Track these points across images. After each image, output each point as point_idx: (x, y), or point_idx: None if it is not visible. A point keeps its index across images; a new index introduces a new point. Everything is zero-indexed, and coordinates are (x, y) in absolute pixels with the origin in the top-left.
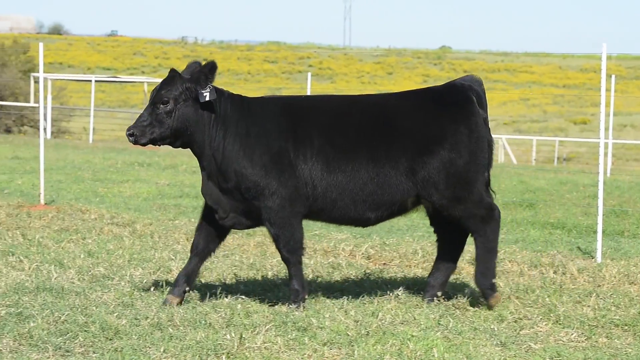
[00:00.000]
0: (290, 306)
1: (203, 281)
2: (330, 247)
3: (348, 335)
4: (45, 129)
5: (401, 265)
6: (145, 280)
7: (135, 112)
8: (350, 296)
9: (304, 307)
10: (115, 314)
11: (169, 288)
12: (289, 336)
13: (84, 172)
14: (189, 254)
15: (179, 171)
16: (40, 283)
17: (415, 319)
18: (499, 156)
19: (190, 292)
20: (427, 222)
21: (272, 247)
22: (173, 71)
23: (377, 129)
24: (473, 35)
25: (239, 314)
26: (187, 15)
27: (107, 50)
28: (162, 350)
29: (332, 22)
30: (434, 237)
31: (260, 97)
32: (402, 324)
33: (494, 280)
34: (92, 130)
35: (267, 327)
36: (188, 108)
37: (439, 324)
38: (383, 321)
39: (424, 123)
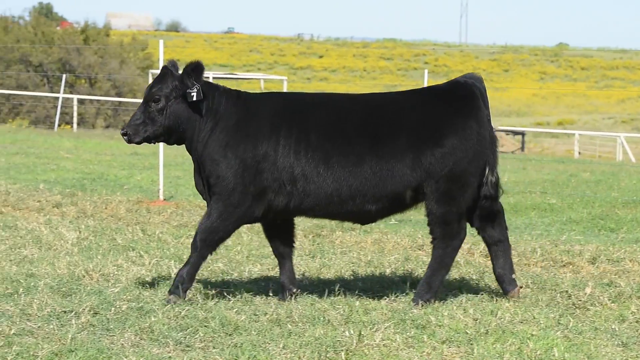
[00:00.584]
0: (169, 293)
1: (321, 277)
2: None
3: (467, 333)
4: None
5: (519, 263)
6: (264, 277)
7: None
8: (468, 294)
9: (182, 298)
10: (235, 310)
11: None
12: (408, 334)
13: None
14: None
15: None
16: (161, 278)
17: (534, 318)
18: (617, 154)
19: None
20: (545, 220)
21: (390, 244)
22: (165, 68)
23: (379, 124)
24: (591, 32)
25: (357, 311)
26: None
27: (224, 47)
28: (281, 346)
29: (448, 19)
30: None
31: (260, 93)
32: (521, 322)
33: (431, 297)
34: None
35: (385, 324)
36: (179, 105)
37: (559, 323)
38: (502, 320)
39: (433, 116)
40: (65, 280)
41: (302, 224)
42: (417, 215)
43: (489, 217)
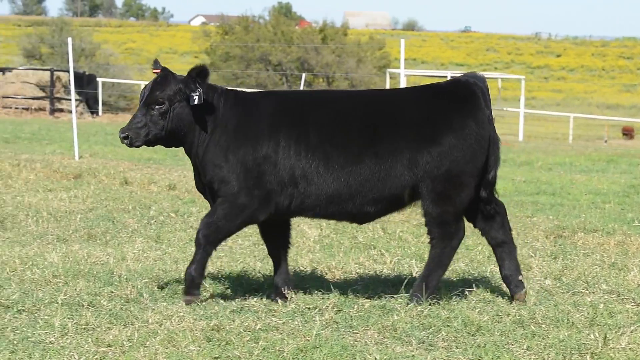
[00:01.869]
0: (185, 294)
1: (564, 279)
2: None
3: None
4: None
5: None
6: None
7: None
8: None
9: (196, 296)
10: (477, 310)
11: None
12: None
13: None
14: (541, 252)
15: (535, 168)
16: (402, 277)
17: None
18: None
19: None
20: None
21: (634, 247)
22: (166, 70)
23: (380, 123)
24: None
25: (601, 314)
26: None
27: (460, 46)
28: (524, 347)
29: None
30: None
31: (257, 92)
32: None
33: (427, 297)
34: None
35: (632, 328)
36: (183, 108)
37: None
38: None
39: (431, 114)
40: (308, 277)
41: (544, 225)
42: None
43: (491, 219)
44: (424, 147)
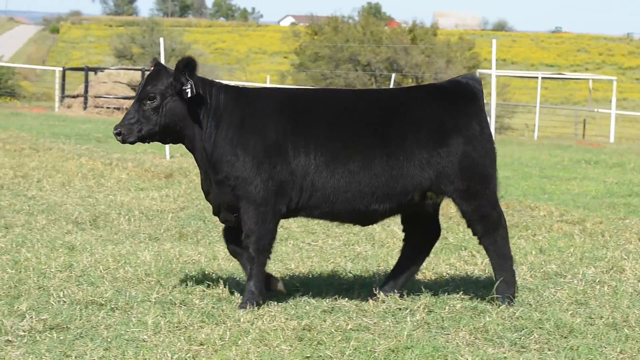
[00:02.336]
0: (240, 307)
1: None
2: None
3: None
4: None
5: None
6: (598, 279)
7: (578, 109)
8: None
9: (253, 309)
10: (570, 312)
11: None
12: None
13: (531, 168)
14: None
15: (627, 169)
16: (493, 278)
17: None
18: None
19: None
20: None
21: None
22: (158, 65)
23: (383, 121)
24: None
25: None
26: (633, 10)
27: (551, 47)
28: (618, 350)
29: None
30: (402, 237)
31: (260, 88)
32: None
33: (514, 291)
34: (537, 126)
35: None
36: (175, 103)
37: None
38: None
39: (438, 115)
40: None
41: (636, 227)
42: None
43: (422, 223)
44: (434, 147)
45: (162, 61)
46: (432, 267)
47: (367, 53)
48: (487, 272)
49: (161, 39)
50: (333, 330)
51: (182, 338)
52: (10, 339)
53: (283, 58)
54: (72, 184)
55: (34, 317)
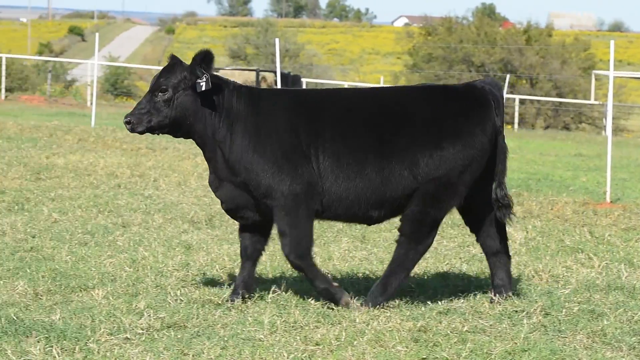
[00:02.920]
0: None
1: None
2: None
3: None
4: (605, 127)
5: None
6: None
7: None
8: None
9: (344, 294)
10: None
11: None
12: None
13: None
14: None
15: None
16: (611, 281)
17: None
18: None
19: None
20: None
21: None
22: (174, 58)
23: (392, 122)
24: None
25: None
26: None
27: None
28: None
29: None
30: (475, 238)
31: (271, 89)
32: None
33: (384, 300)
34: None
35: None
36: (187, 97)
37: None
38: None
39: (440, 117)
40: (514, 279)
41: None
42: None
43: (489, 227)
44: (426, 149)
45: (278, 62)
46: (549, 269)
47: (481, 54)
48: (604, 274)
49: (276, 40)
50: (449, 332)
51: (298, 338)
52: (128, 336)
53: (396, 59)
54: (187, 183)
55: (151, 315)
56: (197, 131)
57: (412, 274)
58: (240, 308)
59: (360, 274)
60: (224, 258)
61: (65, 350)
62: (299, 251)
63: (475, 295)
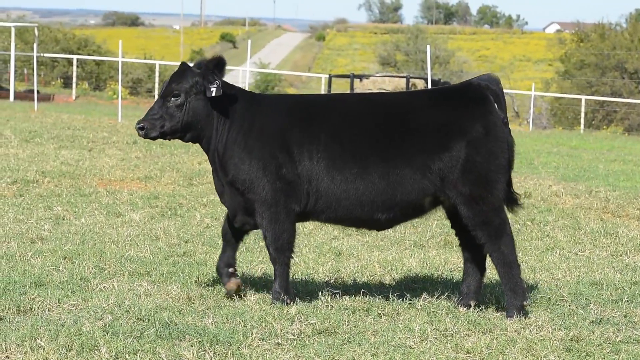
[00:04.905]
0: (273, 304)
1: None
2: None
3: None
4: None
5: None
6: None
7: None
8: None
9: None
10: None
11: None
12: None
13: None
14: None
15: None
16: None
17: None
18: None
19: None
20: None
21: None
22: (184, 64)
23: (390, 126)
24: None
25: None
26: None
27: None
28: None
29: None
30: (457, 242)
31: (272, 94)
32: None
33: (525, 302)
34: None
35: None
36: (199, 102)
37: None
38: None
39: (441, 119)
40: None
41: None
42: None
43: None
44: (435, 152)
45: (429, 69)
46: None
47: (635, 60)
48: None
49: (428, 47)
50: (602, 342)
51: (449, 345)
52: (280, 342)
53: (548, 65)
54: None
55: (302, 321)
56: (206, 135)
57: (564, 283)
58: (390, 315)
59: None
60: (374, 265)
61: (218, 354)
62: (278, 244)
63: (629, 304)
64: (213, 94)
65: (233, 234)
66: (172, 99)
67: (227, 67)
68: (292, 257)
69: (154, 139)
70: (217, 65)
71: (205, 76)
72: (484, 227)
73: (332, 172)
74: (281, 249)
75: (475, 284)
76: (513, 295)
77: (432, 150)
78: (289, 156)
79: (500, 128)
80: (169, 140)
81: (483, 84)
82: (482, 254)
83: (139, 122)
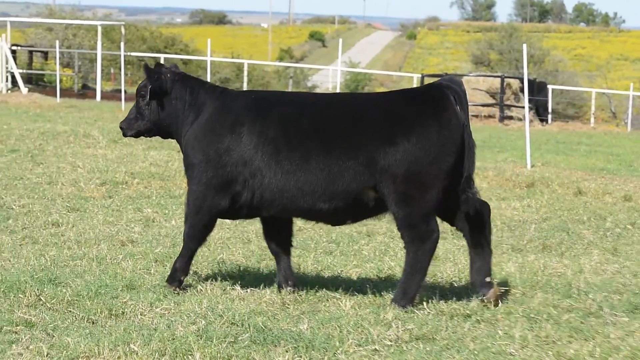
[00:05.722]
0: (167, 282)
1: None
2: None
3: None
4: None
5: None
6: None
7: None
8: None
9: (178, 289)
10: None
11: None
12: None
13: None
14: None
15: None
16: None
17: None
18: None
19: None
20: None
21: None
22: (146, 65)
23: (340, 120)
24: None
25: None
26: None
27: None
28: None
29: None
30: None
31: (239, 90)
32: None
33: (408, 303)
34: None
35: None
36: (161, 100)
37: None
38: None
39: (392, 114)
40: None
41: None
42: None
43: (470, 219)
44: (380, 146)
45: (525, 68)
46: None
47: None
48: None
49: (524, 45)
50: None
51: (550, 353)
52: (377, 348)
53: None
54: None
55: (399, 327)
56: (174, 131)
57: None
58: (489, 321)
59: (613, 288)
60: None
61: None
62: (192, 232)
63: None
64: (147, 98)
65: (277, 245)
66: (140, 99)
67: (317, 66)
68: (201, 246)
69: (134, 137)
70: (158, 64)
71: (148, 75)
72: (410, 230)
73: (274, 165)
74: (193, 238)
75: (484, 270)
76: (401, 294)
77: (379, 143)
78: (234, 151)
79: (455, 128)
80: (149, 137)
81: (444, 84)
82: (486, 234)
83: (121, 122)
